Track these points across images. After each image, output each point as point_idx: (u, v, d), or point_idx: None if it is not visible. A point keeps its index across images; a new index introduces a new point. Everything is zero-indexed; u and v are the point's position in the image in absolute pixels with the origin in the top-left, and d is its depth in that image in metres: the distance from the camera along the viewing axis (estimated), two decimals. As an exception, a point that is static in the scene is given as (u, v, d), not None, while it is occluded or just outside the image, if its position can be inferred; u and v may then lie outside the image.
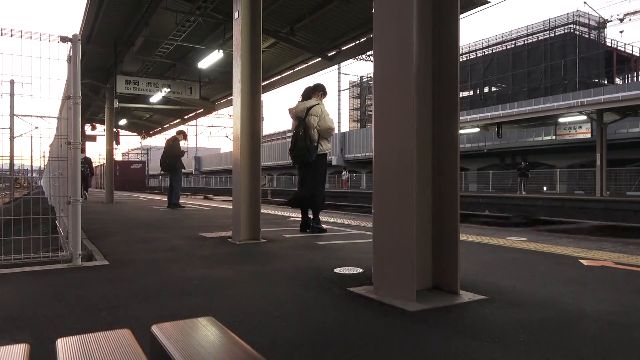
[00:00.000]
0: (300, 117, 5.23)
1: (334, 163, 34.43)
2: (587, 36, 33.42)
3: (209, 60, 11.74)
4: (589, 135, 17.75)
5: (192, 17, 10.08)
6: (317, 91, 5.37)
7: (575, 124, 17.96)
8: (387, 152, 2.41)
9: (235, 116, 4.73)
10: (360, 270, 3.08)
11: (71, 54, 3.42)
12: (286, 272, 3.07)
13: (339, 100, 43.05)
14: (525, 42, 34.78)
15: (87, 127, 20.28)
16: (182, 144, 10.93)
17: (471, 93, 38.24)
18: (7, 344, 0.76)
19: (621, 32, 67.33)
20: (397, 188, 2.34)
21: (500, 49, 36.36)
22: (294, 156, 5.27)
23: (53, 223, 5.58)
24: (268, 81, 13.52)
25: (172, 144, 10.47)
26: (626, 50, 35.77)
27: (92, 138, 20.91)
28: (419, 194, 2.38)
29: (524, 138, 25.20)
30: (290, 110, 5.50)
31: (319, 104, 5.23)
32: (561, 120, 17.93)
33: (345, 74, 33.75)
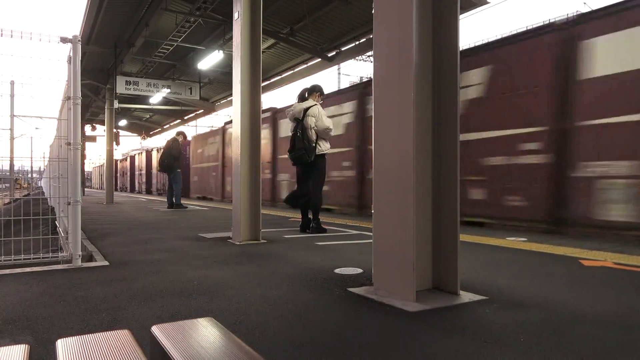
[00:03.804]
0: (298, 119, 5.24)
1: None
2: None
3: (209, 60, 11.75)
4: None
5: (192, 18, 10.09)
6: (314, 92, 5.39)
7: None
8: (387, 152, 2.41)
9: (235, 117, 4.74)
10: (360, 270, 3.08)
11: (71, 54, 3.42)
12: (286, 272, 3.07)
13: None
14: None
15: (87, 128, 20.28)
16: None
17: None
18: (8, 345, 0.76)
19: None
20: (396, 189, 2.34)
21: (500, 49, 36.28)
22: (293, 157, 5.28)
23: (53, 224, 5.59)
24: (268, 81, 13.53)
25: (172, 144, 10.49)
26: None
27: (92, 139, 20.90)
28: (419, 195, 2.39)
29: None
30: (287, 112, 5.51)
31: (316, 104, 5.24)
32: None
33: (345, 75, 33.79)
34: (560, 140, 4.94)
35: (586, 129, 4.77)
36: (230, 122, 14.67)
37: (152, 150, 22.52)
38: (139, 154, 26.63)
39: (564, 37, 4.94)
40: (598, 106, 4.69)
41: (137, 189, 25.82)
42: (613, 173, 4.56)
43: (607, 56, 4.62)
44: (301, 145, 5.13)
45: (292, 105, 5.50)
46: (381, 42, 2.47)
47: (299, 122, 5.22)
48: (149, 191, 22.78)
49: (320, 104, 5.36)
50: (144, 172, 23.67)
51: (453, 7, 2.43)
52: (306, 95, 5.37)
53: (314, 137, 5.14)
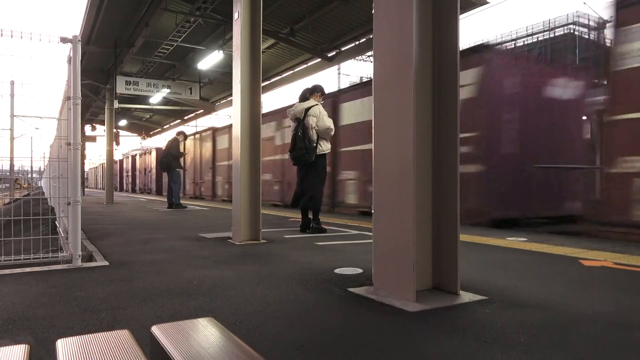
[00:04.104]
0: (299, 118, 5.24)
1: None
2: (587, 37, 33.42)
3: (209, 61, 11.75)
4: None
5: (192, 18, 10.08)
6: (315, 92, 5.39)
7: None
8: (387, 152, 2.41)
9: (235, 117, 4.73)
10: (360, 270, 3.08)
11: (71, 54, 3.42)
12: (286, 272, 3.07)
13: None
14: (525, 43, 34.76)
15: (87, 128, 20.28)
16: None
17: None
18: (8, 345, 0.76)
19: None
20: (397, 188, 2.34)
21: (500, 50, 36.39)
22: (294, 157, 5.28)
23: (53, 224, 5.59)
24: (268, 81, 13.53)
25: (172, 144, 10.47)
26: (626, 51, 35.68)
27: (92, 139, 20.92)
28: (419, 195, 2.38)
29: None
30: (288, 112, 5.52)
31: (317, 104, 5.24)
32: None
33: (345, 75, 33.75)
34: (333, 158, 8.89)
35: (342, 153, 9.00)
36: (192, 134, 16.08)
37: (136, 155, 27.69)
38: (125, 159, 32.13)
39: (334, 101, 9.10)
40: (345, 140, 8.89)
41: (124, 188, 30.78)
42: (349, 177, 8.90)
43: (346, 114, 8.93)
44: (302, 145, 5.13)
45: (294, 104, 5.51)
46: (381, 42, 2.47)
47: (300, 121, 5.22)
48: (133, 190, 27.25)
49: (322, 104, 5.36)
50: (130, 173, 28.53)
51: (453, 7, 2.43)
52: (307, 95, 5.37)
53: (315, 137, 5.15)
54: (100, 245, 4.37)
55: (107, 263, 3.44)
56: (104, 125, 15.20)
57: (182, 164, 10.68)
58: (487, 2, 8.19)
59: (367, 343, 1.78)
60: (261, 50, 4.78)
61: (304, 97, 5.38)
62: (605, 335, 1.84)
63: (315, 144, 5.15)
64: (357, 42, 10.40)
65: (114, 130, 14.45)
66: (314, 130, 5.14)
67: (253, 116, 4.70)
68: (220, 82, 14.56)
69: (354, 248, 4.18)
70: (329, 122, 5.21)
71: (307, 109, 5.20)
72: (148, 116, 22.13)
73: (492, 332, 1.86)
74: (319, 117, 5.16)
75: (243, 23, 4.60)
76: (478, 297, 2.36)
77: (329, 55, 11.17)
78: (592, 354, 1.64)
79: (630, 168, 4.70)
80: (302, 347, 1.73)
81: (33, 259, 3.45)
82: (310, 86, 5.49)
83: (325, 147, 5.24)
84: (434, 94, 2.50)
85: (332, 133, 5.29)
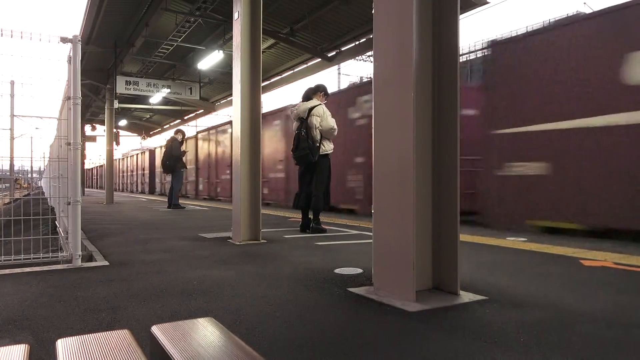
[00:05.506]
0: (302, 118, 5.24)
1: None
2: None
3: (209, 60, 11.73)
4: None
5: (192, 18, 10.08)
6: (319, 92, 5.39)
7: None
8: (387, 152, 2.41)
9: (235, 117, 4.73)
10: (360, 270, 3.08)
11: (71, 54, 3.42)
12: (286, 272, 3.07)
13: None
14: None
15: (87, 128, 20.28)
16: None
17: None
18: (7, 344, 0.76)
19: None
20: (397, 188, 2.34)
21: (500, 50, 36.28)
22: (297, 157, 5.28)
23: (53, 223, 5.59)
24: (268, 81, 13.52)
25: (172, 144, 10.38)
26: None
27: (92, 139, 20.92)
28: (419, 194, 2.39)
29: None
30: (292, 112, 5.51)
31: (320, 104, 5.24)
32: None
33: (345, 75, 33.83)
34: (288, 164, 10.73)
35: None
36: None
37: (125, 158, 32.41)
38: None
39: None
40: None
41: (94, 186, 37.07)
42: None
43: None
44: (305, 144, 5.12)
45: (297, 104, 5.50)
46: (381, 42, 2.47)
47: (303, 121, 5.21)
48: (125, 189, 31.50)
49: (324, 103, 5.36)
50: (123, 174, 32.66)
51: (453, 7, 2.43)
52: (311, 94, 5.37)
53: (318, 137, 5.14)
54: (100, 245, 4.37)
55: (107, 263, 3.44)
56: (104, 125, 15.18)
57: (185, 164, 10.61)
58: (487, 2, 8.19)
59: (367, 343, 1.78)
60: (261, 50, 4.78)
61: (307, 96, 5.37)
62: (605, 335, 1.84)
63: (318, 144, 5.14)
64: (357, 42, 10.39)
65: (114, 130, 14.44)
66: (317, 130, 5.13)
67: (253, 116, 4.70)
68: (220, 82, 14.55)
69: (353, 248, 4.18)
70: (332, 122, 5.20)
71: (311, 109, 5.19)
72: (148, 116, 22.13)
73: (492, 332, 1.86)
74: (323, 116, 5.16)
75: (243, 23, 4.60)
76: (478, 297, 2.36)
77: (329, 55, 11.16)
78: (592, 354, 1.64)
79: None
80: (301, 347, 1.73)
81: (33, 259, 3.45)
82: (313, 86, 5.49)
83: (328, 147, 5.23)
84: (434, 94, 2.50)
85: (336, 133, 5.28)
